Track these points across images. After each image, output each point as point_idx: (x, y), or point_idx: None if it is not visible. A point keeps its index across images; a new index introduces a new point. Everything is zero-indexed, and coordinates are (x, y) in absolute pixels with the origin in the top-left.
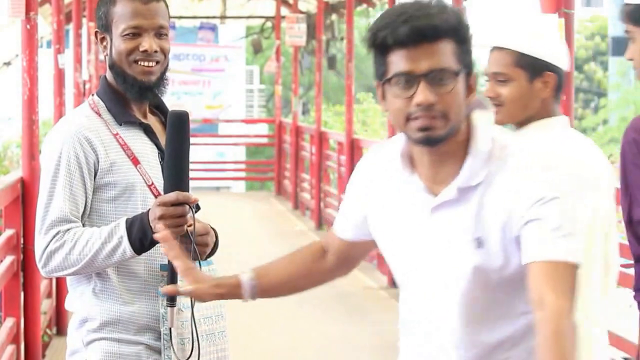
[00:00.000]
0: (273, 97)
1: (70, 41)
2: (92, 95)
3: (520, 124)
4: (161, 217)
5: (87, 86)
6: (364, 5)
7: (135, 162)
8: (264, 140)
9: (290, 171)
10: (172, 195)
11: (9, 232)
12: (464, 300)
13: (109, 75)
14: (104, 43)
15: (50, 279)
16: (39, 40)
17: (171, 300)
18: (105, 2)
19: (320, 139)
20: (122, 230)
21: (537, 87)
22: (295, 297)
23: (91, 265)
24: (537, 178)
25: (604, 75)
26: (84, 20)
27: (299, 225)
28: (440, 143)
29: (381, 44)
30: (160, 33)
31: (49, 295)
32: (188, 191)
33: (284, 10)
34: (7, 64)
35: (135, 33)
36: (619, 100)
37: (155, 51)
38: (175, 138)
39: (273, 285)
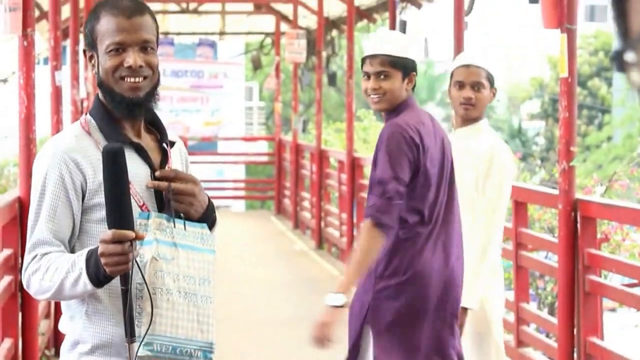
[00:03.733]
0: (273, 115)
1: (68, 58)
2: (85, 114)
3: None
4: (102, 255)
5: (85, 104)
6: (365, 21)
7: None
8: (264, 159)
9: (290, 190)
10: (109, 234)
11: (6, 252)
12: None
13: (100, 94)
14: (92, 61)
15: (48, 301)
16: (36, 57)
17: (131, 335)
18: (90, 20)
19: (321, 157)
20: (82, 262)
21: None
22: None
23: (61, 293)
24: None
25: (608, 92)
26: (81, 37)
27: (299, 245)
28: None
29: None
30: (145, 47)
31: (47, 316)
32: (131, 226)
33: (284, 26)
34: (4, 81)
35: (120, 49)
36: (624, 117)
37: (141, 66)
38: (111, 174)
39: None
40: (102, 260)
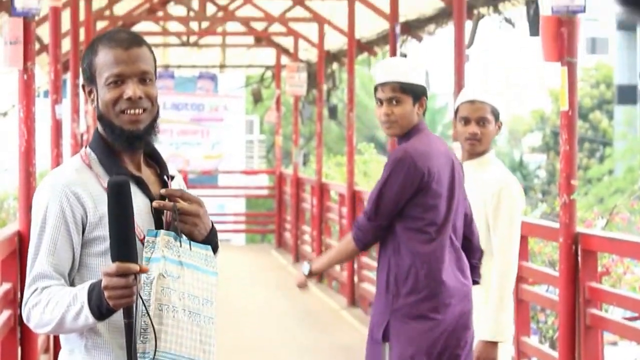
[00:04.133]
0: (273, 148)
1: (68, 91)
2: (85, 147)
3: None
4: (105, 288)
5: (85, 137)
6: (365, 54)
7: None
8: (264, 192)
9: (291, 223)
10: (113, 267)
11: (5, 286)
12: None
13: (99, 127)
14: (92, 96)
15: (48, 334)
16: (36, 90)
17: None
18: (87, 54)
19: (321, 190)
20: (83, 296)
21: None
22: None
23: (62, 327)
24: None
25: (609, 125)
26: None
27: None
28: None
29: None
30: (144, 79)
31: (46, 351)
32: (135, 259)
33: (284, 59)
34: (4, 114)
35: (118, 81)
36: (625, 150)
37: (140, 97)
38: (116, 207)
39: None
40: (106, 294)
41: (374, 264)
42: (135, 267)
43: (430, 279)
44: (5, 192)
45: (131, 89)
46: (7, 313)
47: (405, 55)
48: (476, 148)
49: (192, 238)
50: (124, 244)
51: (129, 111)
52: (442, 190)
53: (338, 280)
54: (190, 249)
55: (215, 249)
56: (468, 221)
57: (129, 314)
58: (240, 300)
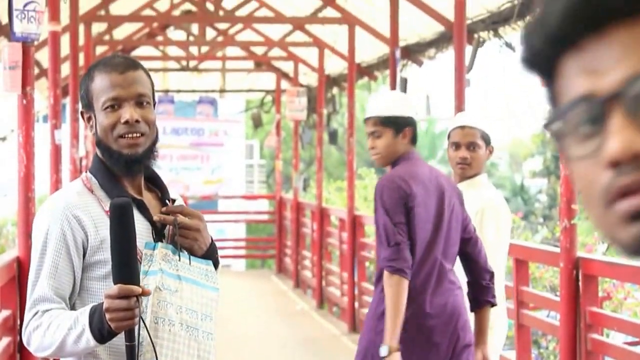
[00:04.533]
0: (273, 173)
1: (67, 116)
2: (86, 172)
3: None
4: (107, 310)
5: (84, 162)
6: (366, 79)
7: None
8: (265, 217)
9: (291, 248)
10: (115, 289)
11: (4, 313)
12: None
13: (99, 152)
14: (90, 122)
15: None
16: (35, 115)
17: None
18: (84, 81)
19: (322, 215)
20: (85, 319)
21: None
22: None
23: (63, 350)
24: None
25: None
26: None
27: (300, 304)
28: None
29: None
30: (141, 102)
31: None
32: (137, 281)
33: (284, 84)
34: (3, 139)
35: (115, 105)
36: None
37: (137, 121)
38: (118, 229)
39: None
40: (108, 316)
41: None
42: (137, 289)
43: (413, 309)
44: (4, 218)
45: (128, 112)
46: (6, 340)
47: (405, 80)
48: (467, 172)
49: (192, 253)
50: (125, 266)
51: (127, 135)
52: (427, 214)
53: (339, 306)
54: (190, 263)
55: (215, 265)
56: (473, 243)
57: (130, 337)
58: (240, 326)
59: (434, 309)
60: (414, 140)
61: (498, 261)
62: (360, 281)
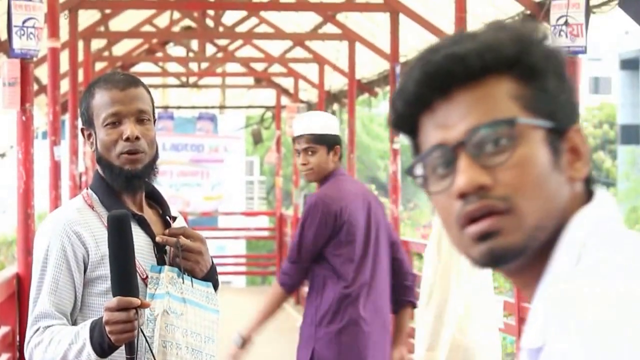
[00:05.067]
0: (273, 189)
1: (67, 132)
2: (87, 188)
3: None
4: (107, 323)
5: (84, 179)
6: (366, 94)
7: None
8: (265, 233)
9: None
10: (114, 301)
11: (4, 329)
12: None
13: (99, 168)
14: (91, 139)
15: None
16: (34, 131)
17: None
18: (85, 98)
19: None
20: (85, 333)
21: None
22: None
23: None
24: None
25: (612, 165)
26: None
27: (301, 321)
28: (512, 260)
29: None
30: (141, 118)
31: None
32: (136, 293)
33: (285, 100)
34: (2, 155)
35: (116, 121)
36: (629, 190)
37: (137, 137)
38: (117, 240)
39: None
40: (107, 329)
41: None
42: (136, 301)
43: (351, 314)
44: (3, 235)
45: (129, 129)
46: (6, 356)
47: None
48: None
49: (193, 275)
50: (124, 278)
51: (127, 152)
52: (357, 229)
53: None
54: (192, 286)
55: (215, 287)
56: (396, 247)
57: (130, 350)
58: None
59: (368, 314)
60: (341, 157)
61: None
62: None
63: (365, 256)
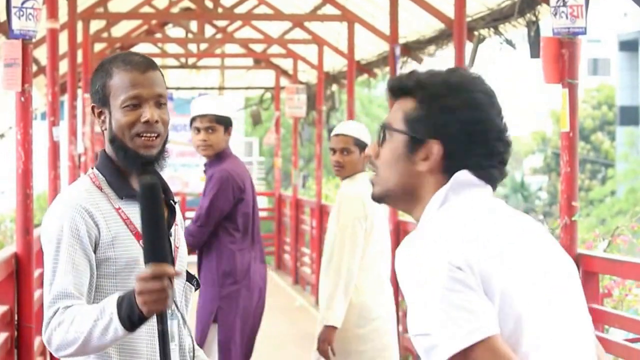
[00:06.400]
0: (272, 170)
1: (65, 113)
2: (92, 168)
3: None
4: (140, 293)
5: (83, 159)
6: (365, 76)
7: (138, 236)
8: (264, 214)
9: (290, 245)
10: (147, 270)
11: (2, 308)
12: None
13: (108, 149)
14: (102, 117)
15: (45, 357)
16: (33, 112)
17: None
18: (100, 76)
19: (321, 212)
20: (112, 307)
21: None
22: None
23: (88, 344)
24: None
25: (611, 146)
26: (79, 92)
27: (299, 300)
28: (379, 202)
29: None
30: (159, 102)
31: None
32: (168, 261)
33: (284, 81)
34: (1, 136)
35: (136, 104)
36: (627, 171)
37: (157, 121)
38: (149, 208)
39: None
40: (140, 299)
41: None
42: (171, 269)
43: (243, 270)
44: (2, 215)
45: (149, 112)
46: (3, 335)
47: None
48: (340, 173)
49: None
50: (158, 245)
51: (144, 135)
52: (249, 200)
53: None
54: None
55: (197, 286)
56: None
57: (162, 320)
58: None
59: (258, 272)
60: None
61: (342, 248)
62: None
63: (253, 224)
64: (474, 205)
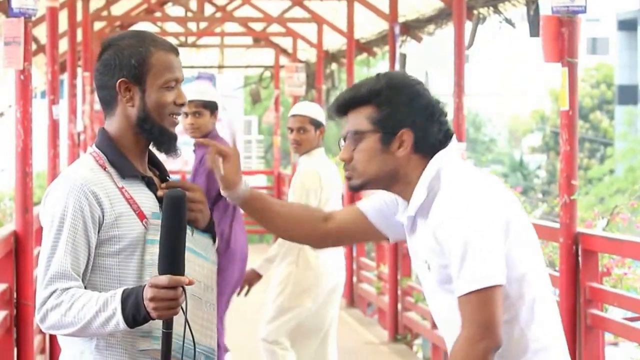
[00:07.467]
0: (271, 148)
1: (65, 91)
2: (92, 147)
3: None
4: (152, 299)
5: (82, 137)
6: (365, 54)
7: (142, 216)
8: (263, 192)
9: None
10: (164, 279)
11: (1, 287)
12: (440, 310)
13: (112, 127)
14: (131, 93)
15: (44, 335)
16: (32, 91)
17: (167, 327)
18: (137, 52)
19: None
20: (117, 302)
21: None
22: None
23: (85, 331)
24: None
25: (610, 125)
26: (79, 70)
27: None
28: (359, 190)
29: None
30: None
31: (42, 352)
32: (183, 272)
33: (283, 60)
34: (0, 114)
35: (173, 86)
36: (626, 150)
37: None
38: (172, 220)
39: (265, 205)
40: (152, 305)
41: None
42: (185, 279)
43: (237, 243)
44: (1, 193)
45: (183, 95)
46: (3, 313)
47: (404, 56)
48: (298, 150)
49: (195, 225)
50: (176, 257)
51: (174, 115)
52: None
53: None
54: (193, 235)
55: (214, 239)
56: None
57: (168, 325)
58: (235, 299)
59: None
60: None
61: None
62: (359, 256)
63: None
64: (474, 171)
